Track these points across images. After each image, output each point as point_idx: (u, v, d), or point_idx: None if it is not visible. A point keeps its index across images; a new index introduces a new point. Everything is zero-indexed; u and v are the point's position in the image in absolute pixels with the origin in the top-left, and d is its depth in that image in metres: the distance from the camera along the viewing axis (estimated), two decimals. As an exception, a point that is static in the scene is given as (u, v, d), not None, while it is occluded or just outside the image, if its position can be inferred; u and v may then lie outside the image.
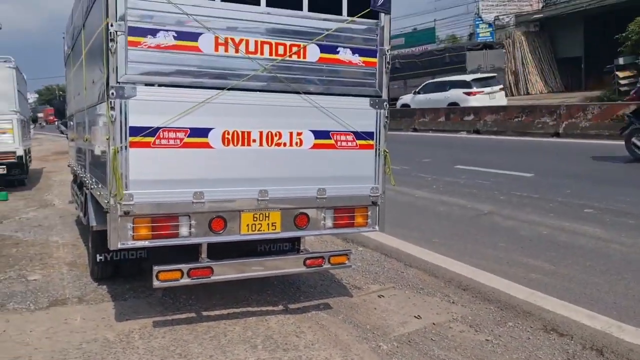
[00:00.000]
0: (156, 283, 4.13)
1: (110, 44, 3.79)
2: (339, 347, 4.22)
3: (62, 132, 18.34)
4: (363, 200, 4.75)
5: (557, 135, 15.93)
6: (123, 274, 5.66)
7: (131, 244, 4.01)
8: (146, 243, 4.09)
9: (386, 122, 4.79)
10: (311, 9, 4.43)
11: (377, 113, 4.72)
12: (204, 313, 4.86)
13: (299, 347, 4.20)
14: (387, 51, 4.71)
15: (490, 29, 37.82)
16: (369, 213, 4.80)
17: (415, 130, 20.84)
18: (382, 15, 4.66)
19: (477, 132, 17.95)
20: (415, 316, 4.84)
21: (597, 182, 10.24)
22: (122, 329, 4.46)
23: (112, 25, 3.77)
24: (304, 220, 4.54)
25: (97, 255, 5.29)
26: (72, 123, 8.39)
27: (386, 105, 4.78)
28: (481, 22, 37.72)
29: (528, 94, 34.13)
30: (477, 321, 4.67)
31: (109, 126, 3.87)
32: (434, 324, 4.67)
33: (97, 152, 4.81)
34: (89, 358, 3.93)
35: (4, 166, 12.57)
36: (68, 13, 7.73)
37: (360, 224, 4.80)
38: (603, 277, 5.48)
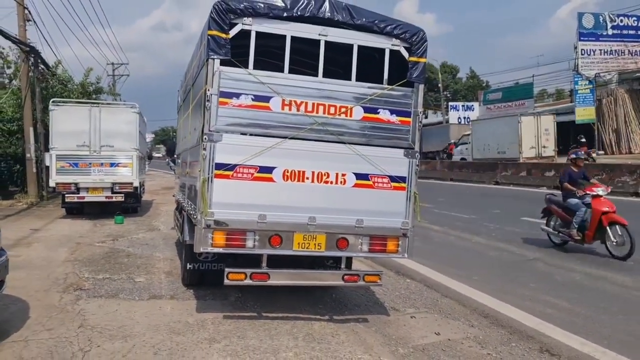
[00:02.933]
0: (226, 281, 5.45)
1: (206, 103, 5.29)
2: (363, 347, 5.27)
3: (171, 168, 20.80)
4: (395, 231, 5.82)
5: (637, 194, 15.81)
6: (207, 282, 7.04)
7: (210, 249, 5.39)
8: (221, 250, 5.45)
9: (417, 169, 5.88)
10: (358, 79, 5.71)
11: (409, 162, 5.83)
12: (264, 314, 6.09)
13: (331, 343, 5.31)
14: (420, 112, 5.86)
15: (590, 86, 37.12)
16: (400, 242, 5.85)
17: (497, 183, 21.27)
18: (417, 84, 5.85)
19: (558, 188, 18.08)
20: (435, 333, 5.77)
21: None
22: (200, 317, 5.82)
23: (208, 90, 5.28)
24: (344, 243, 5.70)
25: (188, 264, 6.73)
26: (179, 161, 10.19)
27: (417, 155, 5.89)
28: (580, 78, 37.18)
29: (630, 152, 33.02)
30: (486, 340, 5.52)
31: (201, 162, 5.33)
32: (449, 339, 5.58)
33: (193, 181, 6.30)
34: (173, 330, 5.32)
35: (123, 194, 14.79)
36: (183, 62, 9.60)
37: (391, 250, 5.86)
38: (610, 316, 6.11)
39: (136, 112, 14.98)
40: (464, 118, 50.69)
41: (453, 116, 50.92)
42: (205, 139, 5.29)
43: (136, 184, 14.93)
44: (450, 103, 54.12)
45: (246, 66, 5.38)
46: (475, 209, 14.87)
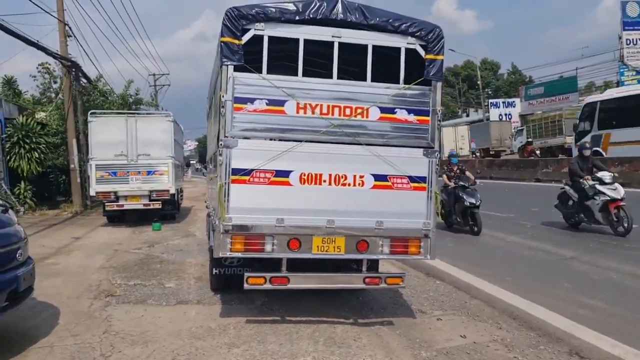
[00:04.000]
0: (246, 285, 5.48)
1: (221, 109, 5.34)
2: (385, 350, 5.20)
3: (203, 175, 21.29)
4: (416, 232, 5.71)
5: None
6: (234, 286, 7.09)
7: (229, 254, 5.43)
8: (239, 255, 5.48)
9: (437, 168, 5.76)
10: (375, 79, 5.65)
11: (429, 161, 5.72)
12: (287, 317, 6.09)
13: (352, 347, 5.25)
14: (438, 111, 5.74)
15: (638, 76, 35.76)
16: (422, 244, 5.74)
17: (538, 180, 20.67)
18: (434, 81, 5.74)
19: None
20: (461, 335, 5.63)
21: None
22: (223, 322, 5.86)
23: (223, 96, 5.32)
24: (364, 246, 5.63)
25: (213, 269, 6.80)
26: (210, 166, 10.34)
27: (437, 154, 5.77)
28: (626, 69, 35.86)
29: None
30: (514, 343, 5.35)
31: (218, 168, 5.38)
32: (475, 342, 5.44)
33: (214, 187, 6.37)
34: (195, 335, 5.39)
35: (160, 202, 15.12)
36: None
37: (413, 252, 5.76)
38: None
39: (170, 121, 15.30)
40: (505, 115, 49.67)
41: (494, 113, 49.95)
42: (221, 144, 5.34)
43: (172, 191, 15.24)
44: (490, 100, 53.07)
45: (260, 71, 5.40)
46: (512, 208, 14.50)
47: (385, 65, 5.85)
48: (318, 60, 5.85)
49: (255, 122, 5.41)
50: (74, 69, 20.50)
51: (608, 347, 4.97)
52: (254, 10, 5.34)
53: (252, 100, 5.38)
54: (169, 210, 15.96)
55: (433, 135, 5.74)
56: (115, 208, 15.13)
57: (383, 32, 5.63)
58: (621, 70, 36.03)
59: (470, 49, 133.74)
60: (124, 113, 16.61)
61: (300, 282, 5.63)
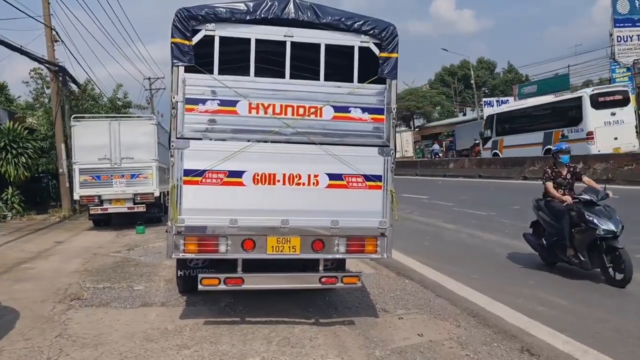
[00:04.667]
0: (200, 287, 5.48)
1: (172, 111, 5.33)
2: (338, 349, 5.18)
3: None
4: (372, 231, 5.70)
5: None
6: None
7: (182, 255, 5.42)
8: (193, 256, 5.48)
9: (392, 167, 5.75)
10: (328, 78, 5.64)
11: (384, 160, 5.71)
12: (247, 319, 6.07)
13: (305, 347, 5.24)
14: (394, 109, 5.73)
15: (629, 73, 35.72)
16: (378, 242, 5.72)
17: (525, 178, 20.64)
18: (389, 80, 5.73)
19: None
20: (418, 334, 5.61)
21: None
22: (181, 324, 5.85)
23: (174, 98, 5.32)
24: (320, 245, 5.62)
25: (178, 271, 6.79)
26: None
27: (393, 153, 5.76)
28: (618, 66, 35.82)
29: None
30: (468, 341, 5.33)
31: (170, 169, 5.37)
32: (431, 341, 5.42)
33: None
34: (148, 337, 5.38)
35: (144, 205, 15.12)
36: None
37: (370, 251, 5.75)
38: (605, 313, 5.81)
39: (154, 124, 15.31)
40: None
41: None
42: (172, 146, 5.33)
43: (157, 193, 15.24)
44: (484, 99, 52.99)
45: (212, 72, 5.39)
46: (495, 206, 14.50)
47: (340, 64, 5.86)
48: (271, 60, 5.84)
49: (207, 123, 5.41)
50: (61, 74, 20.50)
51: (560, 343, 4.96)
52: (203, 11, 5.34)
53: (203, 101, 5.38)
54: (154, 213, 15.95)
55: (388, 133, 5.73)
56: (100, 212, 15.14)
57: (336, 31, 5.62)
58: (612, 67, 35.98)
59: (470, 48, 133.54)
60: (107, 117, 16.61)
61: (255, 282, 5.63)
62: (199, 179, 5.37)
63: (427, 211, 15.01)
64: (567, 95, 26.39)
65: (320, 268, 5.77)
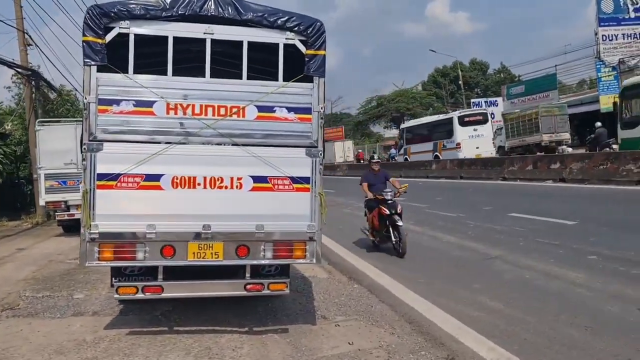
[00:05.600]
0: (116, 296, 5.25)
1: (84, 112, 5.10)
2: (260, 360, 4.95)
3: None
4: (300, 235, 5.47)
5: (640, 183, 14.81)
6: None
7: (96, 264, 5.17)
8: (110, 264, 5.24)
9: (321, 168, 5.52)
10: (252, 77, 5.42)
11: (312, 161, 5.48)
12: (176, 328, 5.84)
13: (225, 357, 5.03)
14: (321, 108, 5.51)
15: (614, 72, 35.58)
16: (307, 247, 5.50)
17: (504, 179, 20.42)
18: (317, 78, 5.51)
19: (563, 180, 17.21)
20: (349, 342, 5.40)
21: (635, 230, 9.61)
22: (102, 335, 5.61)
23: (85, 98, 5.08)
24: (244, 251, 5.38)
25: (113, 279, 6.53)
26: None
27: (321, 154, 5.53)
28: (603, 65, 35.67)
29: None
30: (397, 349, 5.12)
31: (83, 173, 5.13)
32: (359, 349, 5.20)
33: None
34: (59, 350, 5.14)
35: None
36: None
37: (298, 256, 5.51)
38: (539, 317, 5.59)
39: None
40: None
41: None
42: (84, 149, 5.09)
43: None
44: (472, 100, 52.93)
45: (127, 71, 5.16)
46: (467, 207, 14.28)
47: (265, 63, 5.63)
48: (190, 59, 5.59)
49: (121, 125, 5.17)
50: (34, 78, 20.24)
51: (484, 351, 4.75)
52: (116, 8, 5.10)
53: (117, 102, 5.14)
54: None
55: (317, 134, 5.51)
56: (66, 217, 14.82)
57: (259, 28, 5.40)
58: (597, 66, 35.81)
59: (465, 50, 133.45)
60: (73, 120, 16.32)
61: (175, 290, 5.40)
62: (114, 183, 5.13)
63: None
64: (443, 116, 35.50)
65: (247, 275, 5.53)
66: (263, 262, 5.49)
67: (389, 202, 9.49)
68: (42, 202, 14.79)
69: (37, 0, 32.62)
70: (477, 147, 28.55)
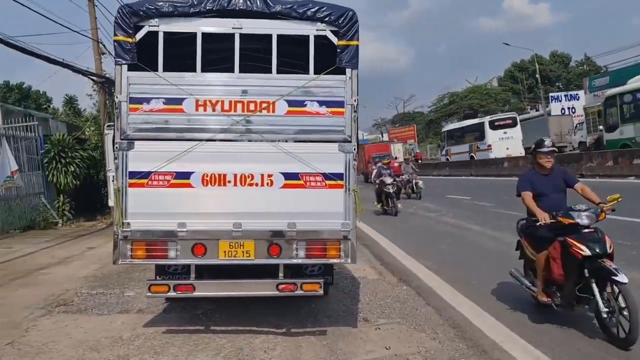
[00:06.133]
0: (148, 294, 5.25)
1: (116, 111, 5.14)
2: (291, 362, 4.79)
3: None
4: (334, 234, 5.25)
5: None
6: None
7: (129, 261, 5.20)
8: (141, 262, 5.25)
9: (354, 164, 5.28)
10: (283, 71, 5.27)
11: (345, 157, 5.25)
12: (213, 327, 5.79)
13: (255, 359, 4.88)
14: (355, 101, 5.27)
15: None
16: (341, 246, 5.27)
17: (582, 176, 19.09)
18: (350, 70, 5.28)
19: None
20: (386, 347, 5.13)
21: None
22: (139, 332, 5.65)
23: (117, 97, 5.12)
24: (276, 250, 5.24)
25: (157, 277, 6.60)
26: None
27: (355, 149, 5.28)
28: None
29: None
30: (435, 355, 4.82)
31: (115, 171, 5.18)
32: (396, 354, 4.94)
33: None
34: (94, 346, 5.20)
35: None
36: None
37: (332, 255, 5.29)
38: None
39: None
40: (569, 109, 46.86)
41: (555, 108, 47.20)
42: (116, 147, 5.14)
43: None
44: (551, 94, 50.36)
45: (157, 69, 5.16)
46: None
47: (295, 56, 5.48)
48: (219, 54, 5.51)
49: (152, 123, 5.17)
50: (107, 85, 21.20)
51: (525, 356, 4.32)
52: (145, 6, 5.12)
53: (148, 100, 5.15)
54: None
55: (350, 128, 5.27)
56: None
57: (289, 20, 5.25)
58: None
59: (546, 42, 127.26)
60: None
61: (207, 289, 5.33)
62: (145, 181, 5.14)
63: (461, 212, 14.24)
64: (477, 120, 38.14)
65: (280, 274, 5.37)
66: (296, 261, 5.32)
67: (586, 231, 5.11)
68: (110, 203, 15.40)
69: (111, 10, 34.19)
70: (507, 148, 31.34)
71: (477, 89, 64.33)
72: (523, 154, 30.70)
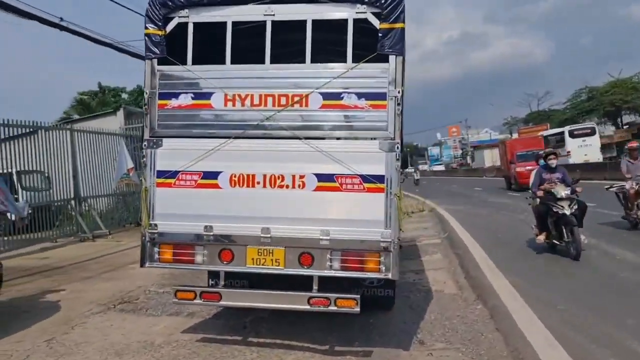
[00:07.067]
0: (174, 300, 4.97)
1: (144, 107, 4.93)
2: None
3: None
4: (373, 245, 4.60)
5: None
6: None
7: (157, 265, 4.97)
8: (168, 265, 4.99)
9: (398, 165, 4.59)
10: (316, 60, 4.73)
11: (387, 156, 4.59)
12: (250, 339, 5.40)
13: (279, 378, 4.40)
14: (399, 93, 4.58)
15: None
16: (381, 259, 4.61)
17: None
18: (393, 57, 4.60)
19: None
20: (427, 379, 4.38)
21: None
22: (174, 338, 5.42)
23: (146, 93, 4.91)
24: (308, 260, 4.71)
25: (210, 280, 6.38)
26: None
27: (398, 147, 4.60)
28: None
29: None
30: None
31: (143, 170, 4.97)
32: (434, 390, 4.18)
33: None
34: (122, 349, 5.09)
35: None
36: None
37: (371, 269, 4.65)
38: None
39: None
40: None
41: None
42: (144, 145, 4.93)
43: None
44: None
45: (185, 62, 4.88)
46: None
47: (332, 43, 4.91)
48: (250, 44, 5.07)
49: (180, 119, 4.92)
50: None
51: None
52: None
53: (176, 95, 4.90)
54: None
55: (393, 123, 4.60)
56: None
57: (325, 3, 4.71)
58: None
59: None
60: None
61: (234, 299, 4.95)
62: (172, 180, 4.88)
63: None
64: (559, 130, 40.58)
65: (315, 287, 4.82)
66: (330, 273, 4.74)
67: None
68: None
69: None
70: (585, 155, 33.96)
71: (622, 83, 57.87)
72: (601, 160, 33.83)
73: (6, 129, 12.54)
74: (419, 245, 11.75)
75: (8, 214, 7.73)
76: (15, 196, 14.65)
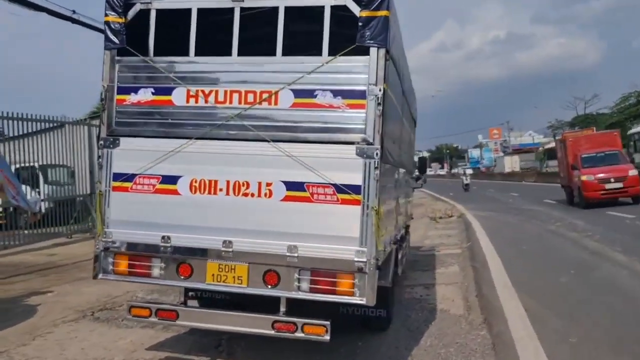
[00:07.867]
0: (128, 316, 4.49)
1: (101, 103, 4.47)
2: None
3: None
4: (346, 265, 4.02)
5: None
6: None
7: (111, 277, 4.49)
8: (123, 278, 4.51)
9: (377, 173, 3.98)
10: (288, 52, 4.17)
11: (364, 163, 3.99)
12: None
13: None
14: (380, 91, 3.97)
15: None
16: (355, 281, 4.02)
17: None
18: (375, 49, 4.00)
19: None
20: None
21: None
22: (135, 356, 4.98)
23: (103, 87, 4.45)
24: (274, 278, 4.16)
25: (189, 292, 5.89)
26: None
27: (378, 154, 3.99)
28: None
29: None
30: None
31: (99, 172, 4.50)
32: None
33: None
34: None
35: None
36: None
37: (344, 292, 4.06)
38: None
39: None
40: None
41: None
42: (100, 144, 4.46)
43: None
44: None
45: (146, 54, 4.40)
46: None
47: (309, 34, 4.31)
48: (218, 35, 4.52)
49: (139, 116, 4.44)
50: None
51: None
52: None
53: (136, 90, 4.42)
54: None
55: (373, 126, 4.00)
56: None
57: None
58: None
59: None
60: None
61: (191, 319, 4.44)
62: (129, 184, 4.40)
63: (611, 235, 11.58)
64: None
65: (282, 309, 4.26)
66: (298, 295, 4.16)
67: None
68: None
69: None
70: None
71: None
72: None
73: (30, 123, 12.49)
74: (437, 255, 11.06)
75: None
76: (38, 190, 14.66)
